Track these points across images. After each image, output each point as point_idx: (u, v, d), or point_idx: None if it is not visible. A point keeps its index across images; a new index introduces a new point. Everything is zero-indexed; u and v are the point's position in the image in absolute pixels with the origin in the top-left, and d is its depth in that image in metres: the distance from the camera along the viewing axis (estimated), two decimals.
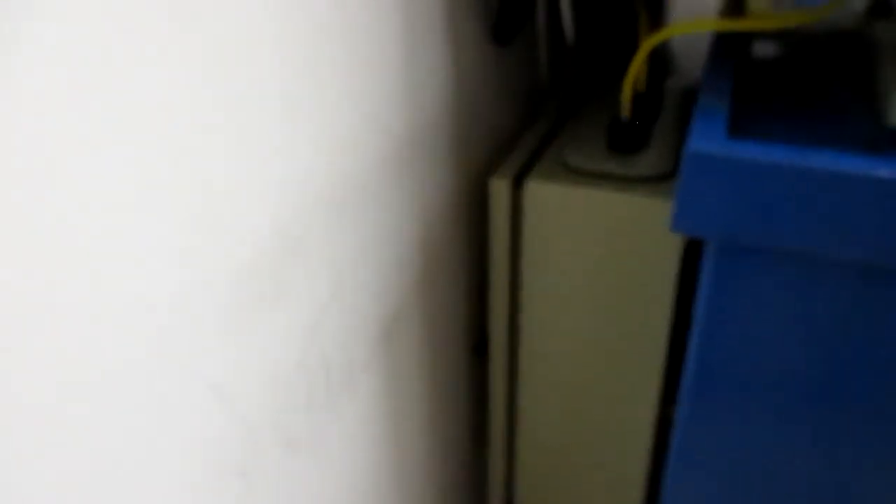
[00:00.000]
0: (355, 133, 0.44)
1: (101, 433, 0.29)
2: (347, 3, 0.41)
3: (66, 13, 0.24)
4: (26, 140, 0.24)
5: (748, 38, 0.61)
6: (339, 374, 0.48)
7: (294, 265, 0.41)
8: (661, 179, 0.58)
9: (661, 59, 0.79)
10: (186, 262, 0.32)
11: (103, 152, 0.27)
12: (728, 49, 0.56)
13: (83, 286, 0.27)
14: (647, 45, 0.53)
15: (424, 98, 0.53)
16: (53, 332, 0.26)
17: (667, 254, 0.58)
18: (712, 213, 0.40)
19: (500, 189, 0.61)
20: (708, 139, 0.40)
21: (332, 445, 0.49)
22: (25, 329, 0.25)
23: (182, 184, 0.31)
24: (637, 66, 0.55)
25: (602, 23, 0.78)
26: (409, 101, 0.51)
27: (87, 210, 0.27)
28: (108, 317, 0.29)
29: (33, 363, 0.26)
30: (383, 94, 0.47)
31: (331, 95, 0.41)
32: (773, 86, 0.52)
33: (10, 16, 0.23)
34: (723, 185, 0.39)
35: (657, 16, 0.79)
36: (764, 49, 0.58)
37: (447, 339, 0.66)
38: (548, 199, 0.59)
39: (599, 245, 0.59)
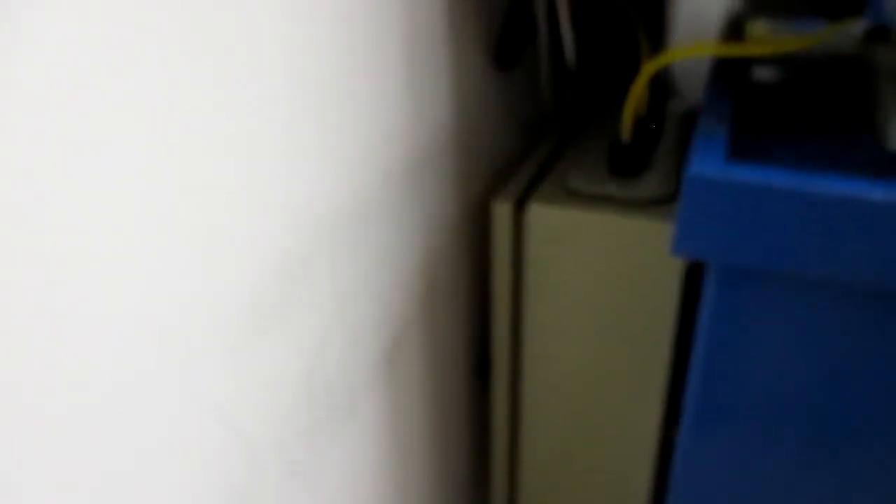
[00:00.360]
0: (358, 157, 0.45)
1: (100, 450, 0.29)
2: (350, 28, 0.42)
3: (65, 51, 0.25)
4: (34, 164, 0.24)
5: (748, 61, 0.61)
6: (342, 395, 0.48)
7: (297, 287, 0.41)
8: (663, 202, 0.59)
9: (662, 83, 0.79)
10: (190, 283, 0.32)
11: (110, 172, 0.27)
12: (728, 73, 0.56)
13: (87, 304, 0.27)
14: (648, 70, 0.54)
15: (427, 121, 0.53)
16: (57, 349, 0.26)
17: (668, 276, 0.58)
18: (712, 236, 0.41)
19: (502, 212, 0.61)
20: (708, 163, 0.40)
21: (333, 467, 0.49)
22: (30, 349, 0.25)
23: (186, 206, 0.31)
24: (638, 91, 0.56)
25: (603, 46, 0.79)
26: (412, 124, 0.51)
27: (91, 229, 0.27)
28: (112, 335, 0.29)
29: (36, 378, 0.26)
30: (386, 117, 0.47)
31: (334, 120, 0.42)
32: (773, 110, 0.52)
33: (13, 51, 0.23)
34: (722, 208, 0.40)
35: (657, 39, 0.79)
36: (763, 73, 0.59)
37: (449, 362, 0.66)
38: (549, 222, 0.60)
39: (601, 268, 0.60)
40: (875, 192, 0.37)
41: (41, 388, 0.26)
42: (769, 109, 0.52)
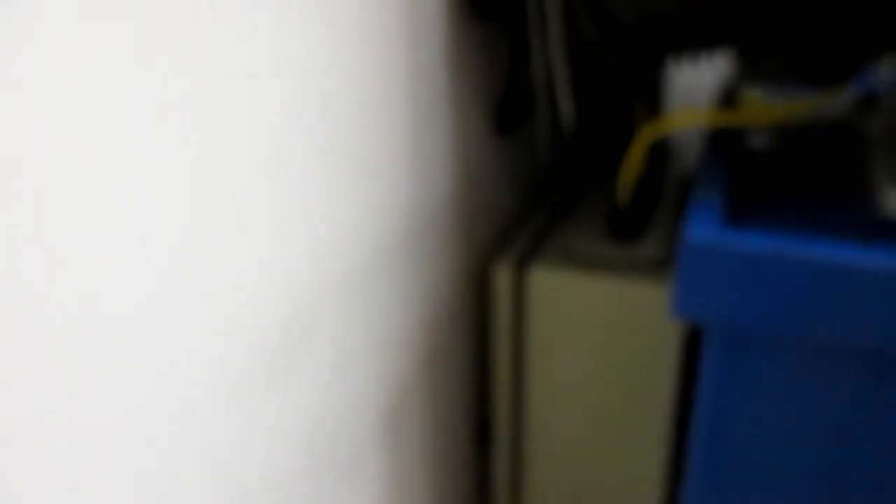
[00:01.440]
0: (362, 221, 0.46)
1: (99, 501, 0.29)
2: (357, 97, 0.43)
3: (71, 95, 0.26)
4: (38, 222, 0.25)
5: (741, 128, 0.62)
6: (342, 456, 0.48)
7: (298, 349, 0.41)
8: (663, 264, 0.59)
9: (661, 148, 0.81)
10: (195, 343, 0.33)
11: (117, 230, 0.28)
12: (722, 139, 0.57)
13: (91, 359, 0.28)
14: (644, 139, 0.55)
15: (430, 187, 0.55)
16: (63, 403, 0.27)
17: (669, 338, 0.58)
18: (709, 300, 0.41)
19: (502, 275, 0.62)
20: (703, 228, 0.41)
21: None
22: (34, 400, 0.26)
23: (191, 266, 0.32)
24: (635, 158, 0.57)
25: (602, 112, 0.81)
26: (415, 189, 0.52)
27: (94, 284, 0.28)
28: (113, 390, 0.29)
29: (41, 427, 0.26)
30: (390, 182, 0.49)
31: (340, 184, 0.43)
32: (767, 176, 0.53)
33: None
34: (718, 273, 0.40)
35: (654, 102, 0.81)
36: (757, 140, 0.60)
37: (450, 426, 0.66)
38: (550, 285, 0.60)
39: (602, 330, 0.60)
40: (868, 259, 0.37)
41: (45, 436, 0.26)
42: (763, 175, 0.53)
